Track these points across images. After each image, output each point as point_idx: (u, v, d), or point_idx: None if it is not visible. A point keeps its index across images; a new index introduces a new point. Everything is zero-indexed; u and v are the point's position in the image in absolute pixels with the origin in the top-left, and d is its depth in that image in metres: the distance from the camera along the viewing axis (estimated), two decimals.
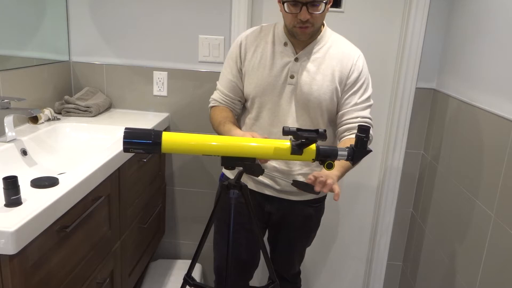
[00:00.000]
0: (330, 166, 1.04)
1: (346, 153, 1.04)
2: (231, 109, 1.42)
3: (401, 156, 1.97)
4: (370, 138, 1.32)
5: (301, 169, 1.40)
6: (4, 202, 0.92)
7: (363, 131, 1.02)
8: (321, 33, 1.33)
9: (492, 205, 1.32)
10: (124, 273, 1.52)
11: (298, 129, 0.98)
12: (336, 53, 1.32)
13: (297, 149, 1.02)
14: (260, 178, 1.41)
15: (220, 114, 1.38)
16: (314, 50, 1.32)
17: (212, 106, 1.45)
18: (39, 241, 0.93)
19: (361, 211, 2.13)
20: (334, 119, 1.38)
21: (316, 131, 0.98)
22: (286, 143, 1.03)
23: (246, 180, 1.45)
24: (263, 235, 1.56)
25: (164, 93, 1.95)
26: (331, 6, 1.87)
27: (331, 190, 1.11)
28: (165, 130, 1.93)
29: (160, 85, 1.94)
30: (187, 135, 1.01)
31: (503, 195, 1.26)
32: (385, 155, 2.00)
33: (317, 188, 1.10)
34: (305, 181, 1.13)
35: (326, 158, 1.04)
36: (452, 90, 1.71)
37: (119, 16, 1.89)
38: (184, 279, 1.31)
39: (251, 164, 1.05)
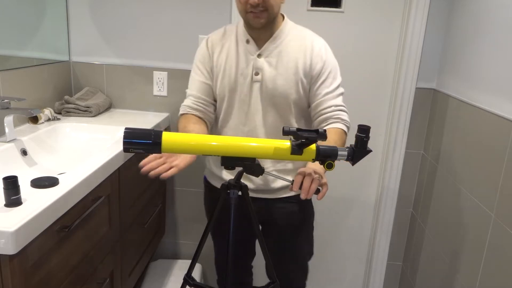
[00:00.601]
0: (330, 166, 1.04)
1: (346, 153, 1.04)
2: (203, 114, 1.36)
3: (401, 156, 1.97)
4: (349, 126, 1.32)
5: (273, 166, 1.38)
6: (4, 202, 0.92)
7: (363, 131, 1.02)
8: (281, 27, 1.32)
9: (492, 205, 1.32)
10: (124, 273, 1.52)
11: (298, 129, 0.98)
12: (298, 45, 1.31)
13: (297, 149, 1.02)
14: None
15: (185, 121, 1.33)
16: (276, 45, 1.31)
17: (182, 114, 1.37)
18: (39, 241, 0.93)
19: (361, 211, 2.13)
20: (305, 113, 1.37)
21: (316, 131, 0.98)
22: (286, 143, 1.03)
23: (219, 181, 1.44)
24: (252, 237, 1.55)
25: (164, 93, 1.95)
26: (331, 6, 1.90)
27: (321, 184, 1.10)
28: (165, 130, 1.93)
29: (160, 85, 1.94)
30: (187, 135, 1.01)
31: (503, 195, 1.26)
32: (385, 155, 2.00)
33: (302, 196, 1.07)
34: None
35: (326, 158, 1.04)
36: (452, 90, 1.71)
37: (119, 16, 1.89)
38: (184, 279, 1.31)
39: (251, 164, 1.05)
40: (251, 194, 1.40)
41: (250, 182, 1.40)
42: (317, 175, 1.10)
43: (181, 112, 1.38)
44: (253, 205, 1.41)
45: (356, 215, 2.14)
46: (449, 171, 1.67)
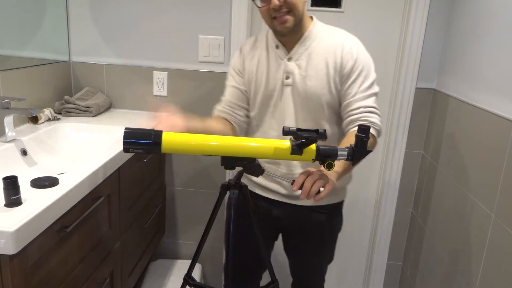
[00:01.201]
0: (330, 166, 1.04)
1: (346, 153, 1.04)
2: (230, 117, 1.37)
3: (401, 156, 1.97)
4: (379, 129, 1.26)
5: (303, 169, 1.36)
6: (4, 202, 0.92)
7: (363, 131, 1.01)
8: (309, 29, 1.30)
9: (492, 205, 1.32)
10: (124, 273, 1.52)
11: (298, 129, 0.98)
12: (328, 45, 1.28)
13: (297, 149, 1.02)
14: (265, 183, 1.40)
15: (210, 119, 1.35)
16: (305, 47, 1.29)
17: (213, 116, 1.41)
18: (39, 241, 0.93)
19: (361, 211, 2.13)
20: (338, 114, 1.33)
21: (316, 131, 0.98)
22: (286, 143, 1.03)
23: (254, 187, 1.44)
24: (275, 240, 1.54)
25: (164, 93, 1.95)
26: (331, 6, 1.90)
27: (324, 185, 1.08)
28: None
29: (160, 85, 1.94)
30: (187, 135, 1.01)
31: (503, 195, 1.26)
32: (385, 155, 2.00)
33: (301, 197, 1.06)
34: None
35: (326, 158, 1.04)
36: (452, 90, 1.71)
37: (119, 16, 1.89)
38: (184, 279, 1.31)
39: (251, 164, 1.05)
40: (280, 199, 1.40)
41: (281, 187, 1.38)
42: (322, 173, 1.09)
43: (213, 114, 1.41)
44: (280, 211, 1.41)
45: (356, 215, 2.14)
46: (449, 171, 1.67)
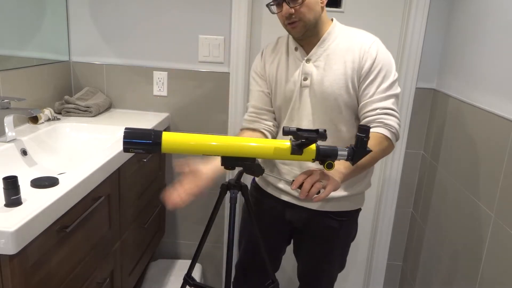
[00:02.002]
0: (330, 166, 1.04)
1: (346, 153, 1.04)
2: (258, 125, 1.36)
3: (401, 156, 1.97)
4: (396, 132, 1.24)
5: None
6: (4, 202, 0.92)
7: (363, 131, 1.02)
8: (328, 30, 1.29)
9: (492, 205, 1.32)
10: (124, 273, 1.52)
11: (298, 129, 0.98)
12: (347, 45, 1.27)
13: (297, 149, 1.02)
14: (280, 184, 1.39)
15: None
16: (324, 48, 1.28)
17: (240, 130, 1.41)
18: (39, 241, 0.93)
19: (361, 211, 2.13)
20: (358, 116, 1.31)
21: (316, 131, 0.98)
22: (286, 143, 1.03)
23: (268, 187, 1.44)
24: (288, 244, 1.54)
25: (164, 93, 1.95)
26: (331, 6, 1.89)
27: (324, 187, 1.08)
28: (165, 130, 1.94)
29: (160, 85, 1.94)
30: (187, 135, 1.01)
31: (503, 195, 1.26)
32: None
33: (300, 196, 1.07)
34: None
35: (326, 158, 1.04)
36: (452, 90, 1.71)
37: (119, 16, 1.89)
38: (184, 279, 1.31)
39: (251, 164, 1.05)
40: (293, 201, 1.39)
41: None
42: (323, 173, 1.08)
43: (241, 128, 1.42)
44: (293, 213, 1.40)
45: None
46: (449, 171, 1.67)
